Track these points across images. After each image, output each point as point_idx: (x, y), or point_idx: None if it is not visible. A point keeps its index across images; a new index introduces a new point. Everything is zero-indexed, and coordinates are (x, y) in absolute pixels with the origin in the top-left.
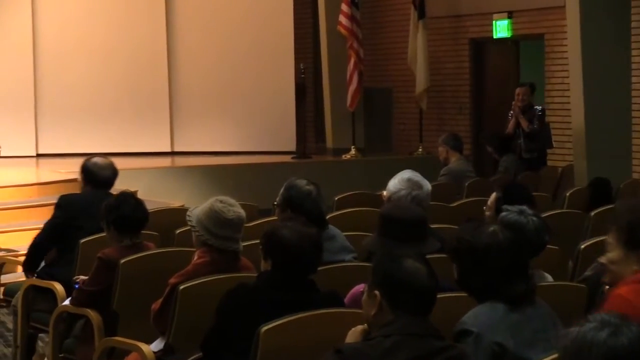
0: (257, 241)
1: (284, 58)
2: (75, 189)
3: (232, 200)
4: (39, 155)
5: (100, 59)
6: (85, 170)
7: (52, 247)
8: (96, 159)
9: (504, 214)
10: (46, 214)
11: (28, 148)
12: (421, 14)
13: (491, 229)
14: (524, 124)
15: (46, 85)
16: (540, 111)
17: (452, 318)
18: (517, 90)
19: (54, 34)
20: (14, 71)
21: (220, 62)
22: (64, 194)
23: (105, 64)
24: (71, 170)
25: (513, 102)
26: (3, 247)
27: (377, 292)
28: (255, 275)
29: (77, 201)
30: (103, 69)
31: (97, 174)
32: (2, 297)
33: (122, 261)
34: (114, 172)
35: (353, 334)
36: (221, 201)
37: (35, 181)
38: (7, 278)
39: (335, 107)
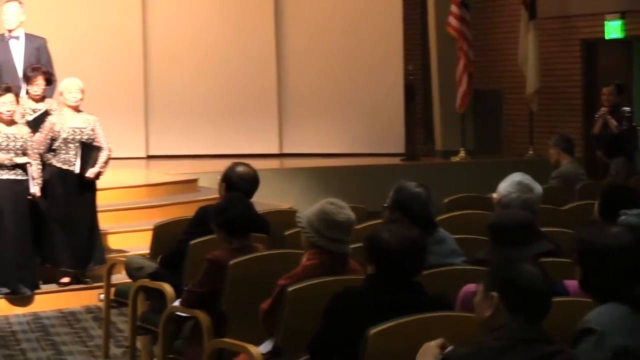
0: None
1: (393, 59)
2: (185, 191)
3: (342, 203)
4: (149, 157)
5: (210, 60)
6: (226, 178)
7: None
8: (239, 168)
9: (622, 217)
10: (155, 216)
11: (138, 149)
12: (532, 15)
13: (615, 230)
14: (613, 124)
15: (156, 87)
16: (629, 112)
17: (568, 322)
18: (604, 90)
19: (164, 35)
20: (125, 73)
21: (328, 63)
22: (204, 205)
23: (215, 65)
24: (180, 171)
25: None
26: (113, 247)
27: (494, 294)
28: (363, 277)
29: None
30: (212, 71)
31: (237, 184)
32: (113, 297)
33: (231, 263)
34: (255, 182)
35: (427, 350)
36: (332, 203)
37: (145, 183)
38: (117, 279)
39: (445, 109)
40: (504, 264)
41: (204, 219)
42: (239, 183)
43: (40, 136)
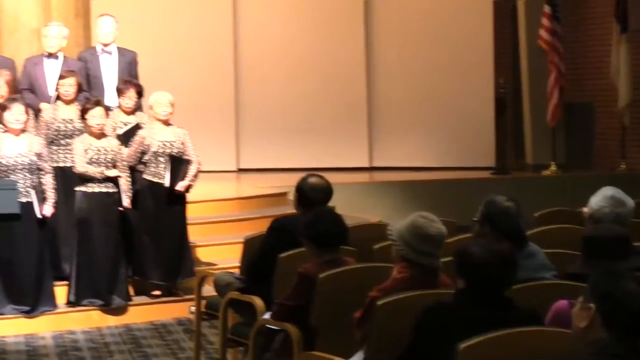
0: None
1: (483, 72)
2: (275, 204)
3: (433, 216)
4: (239, 170)
5: (300, 73)
6: (298, 190)
7: (266, 269)
8: (311, 179)
9: None
10: (246, 229)
11: (229, 163)
12: (624, 28)
13: None
14: None
15: (247, 99)
16: None
17: None
18: None
19: (255, 48)
20: (216, 86)
21: (418, 76)
22: (278, 217)
23: (304, 78)
24: (270, 185)
25: None
26: (203, 260)
27: (592, 305)
28: (454, 292)
29: (291, 225)
30: (302, 83)
31: (309, 196)
32: (204, 310)
33: (321, 276)
34: (326, 192)
35: None
36: (423, 216)
37: (235, 196)
38: (208, 291)
39: (535, 123)
40: (604, 277)
41: (277, 230)
42: (311, 194)
43: (131, 149)
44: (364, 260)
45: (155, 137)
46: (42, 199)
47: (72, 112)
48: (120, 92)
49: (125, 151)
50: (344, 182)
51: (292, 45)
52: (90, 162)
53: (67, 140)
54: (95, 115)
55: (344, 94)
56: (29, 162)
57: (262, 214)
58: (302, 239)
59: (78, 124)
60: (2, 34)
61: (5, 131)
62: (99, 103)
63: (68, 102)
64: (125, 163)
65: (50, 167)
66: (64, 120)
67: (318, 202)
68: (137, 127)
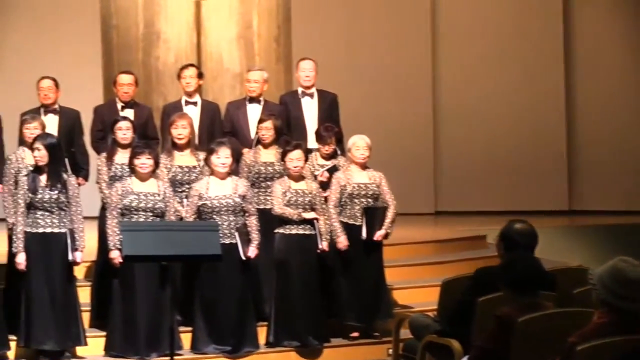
0: None
1: None
2: (473, 247)
3: (635, 261)
4: (437, 213)
5: (498, 113)
6: (504, 236)
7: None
8: (516, 225)
9: None
10: (444, 272)
11: (427, 205)
12: None
13: None
14: None
15: (445, 141)
16: None
17: None
18: None
19: (452, 89)
20: (414, 128)
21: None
22: (481, 267)
23: (500, 121)
24: (468, 228)
25: None
26: (401, 303)
27: None
28: None
29: (494, 275)
30: (500, 126)
31: (516, 241)
32: (401, 352)
33: (520, 320)
34: (534, 237)
35: None
36: (624, 260)
37: (433, 239)
38: (406, 334)
39: None
40: None
41: (482, 281)
42: (518, 240)
43: (331, 191)
44: (563, 305)
45: (351, 179)
46: (246, 241)
47: (272, 155)
48: (320, 137)
49: (326, 194)
50: (542, 225)
51: (490, 86)
52: (289, 204)
53: (268, 182)
54: (294, 158)
55: (543, 135)
56: (233, 204)
57: (460, 257)
58: (500, 284)
59: (278, 166)
60: (205, 78)
61: (212, 174)
62: (298, 146)
63: (267, 146)
64: (324, 206)
65: (254, 209)
66: (264, 163)
67: (524, 248)
68: (334, 168)
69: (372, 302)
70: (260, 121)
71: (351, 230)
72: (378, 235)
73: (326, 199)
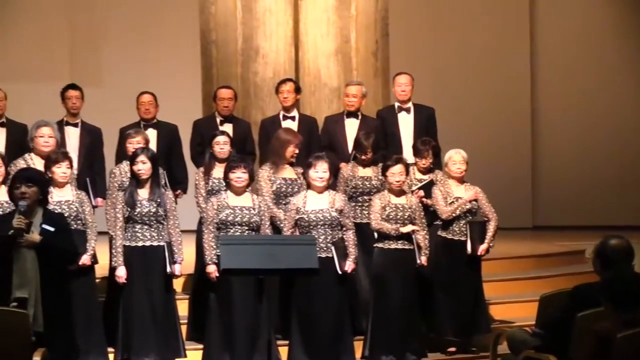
0: None
1: None
2: (572, 262)
3: None
4: (535, 227)
5: (595, 127)
6: (600, 253)
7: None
8: (612, 241)
9: None
10: (542, 287)
11: (525, 220)
12: None
13: None
14: None
15: (544, 155)
16: None
17: None
18: None
19: (552, 102)
20: (512, 142)
21: None
22: (580, 283)
23: (601, 133)
24: (567, 242)
25: None
26: (498, 318)
27: None
28: None
29: (593, 292)
30: (600, 139)
31: (612, 257)
32: None
33: (619, 336)
34: (630, 253)
35: None
36: None
37: (531, 253)
38: (503, 349)
39: None
40: None
41: (581, 296)
42: (614, 256)
43: (436, 203)
44: None
45: (451, 194)
46: (342, 255)
47: (369, 170)
48: (417, 151)
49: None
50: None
51: (594, 99)
52: (388, 219)
53: (365, 197)
54: (395, 172)
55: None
56: (330, 218)
57: (558, 272)
58: (601, 299)
59: (375, 181)
60: (303, 93)
61: (309, 188)
62: (400, 160)
63: (366, 165)
64: (424, 220)
65: (351, 223)
66: (362, 177)
67: (620, 264)
68: (430, 183)
69: (470, 317)
70: (360, 145)
71: (452, 246)
72: (481, 249)
73: (426, 211)
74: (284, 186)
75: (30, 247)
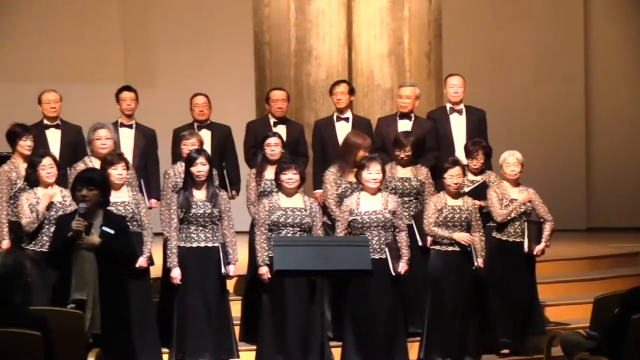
0: None
1: None
2: (626, 264)
3: None
4: (589, 229)
5: None
6: None
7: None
8: None
9: None
10: (595, 289)
11: (579, 221)
12: None
13: None
14: None
15: (597, 157)
16: None
17: None
18: None
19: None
20: (567, 142)
21: None
22: (634, 286)
23: None
24: (621, 244)
25: None
26: (553, 320)
27: None
28: None
29: None
30: None
31: None
32: None
33: None
34: None
35: None
36: None
37: (585, 255)
38: (557, 351)
39: None
40: None
41: (636, 299)
42: None
43: (491, 206)
44: None
45: (506, 196)
46: (395, 256)
47: (408, 170)
48: (468, 153)
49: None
50: None
51: None
52: (445, 221)
53: (404, 198)
54: (453, 174)
55: None
56: (384, 219)
57: (612, 274)
58: None
59: (415, 182)
60: (356, 94)
61: (362, 189)
62: (457, 162)
63: (405, 164)
64: (479, 222)
65: (404, 225)
66: (401, 178)
67: None
68: (483, 185)
69: (525, 319)
70: (398, 142)
71: (507, 247)
72: (538, 249)
73: (481, 213)
74: (349, 190)
75: (89, 249)
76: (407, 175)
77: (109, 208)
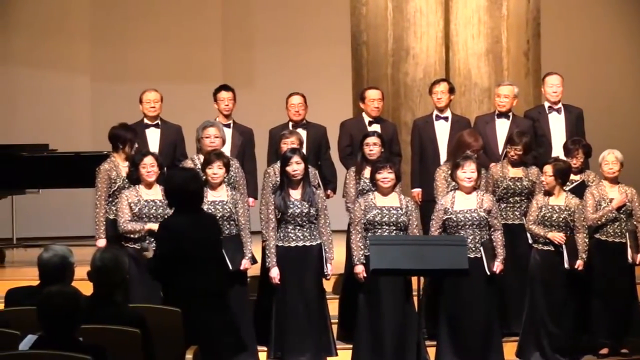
0: None
1: None
2: None
3: None
4: None
5: None
6: None
7: None
8: None
9: None
10: None
11: None
12: None
13: None
14: None
15: None
16: None
17: None
18: None
19: None
20: None
21: None
22: None
23: None
24: None
25: None
26: None
27: None
28: None
29: None
30: None
31: None
32: None
33: None
34: None
35: None
36: None
37: None
38: None
39: None
40: None
41: None
42: None
43: (589, 209)
44: None
45: (605, 196)
46: (491, 256)
47: (519, 170)
48: (568, 151)
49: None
50: None
51: None
52: (543, 220)
53: (516, 198)
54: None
55: None
56: (479, 218)
57: None
58: None
59: (526, 181)
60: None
61: (458, 189)
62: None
63: (515, 164)
64: (584, 222)
65: (500, 224)
66: (512, 178)
67: None
68: (582, 185)
69: (623, 319)
70: (510, 139)
71: (607, 248)
72: (639, 259)
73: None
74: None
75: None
76: (519, 175)
77: (207, 206)
